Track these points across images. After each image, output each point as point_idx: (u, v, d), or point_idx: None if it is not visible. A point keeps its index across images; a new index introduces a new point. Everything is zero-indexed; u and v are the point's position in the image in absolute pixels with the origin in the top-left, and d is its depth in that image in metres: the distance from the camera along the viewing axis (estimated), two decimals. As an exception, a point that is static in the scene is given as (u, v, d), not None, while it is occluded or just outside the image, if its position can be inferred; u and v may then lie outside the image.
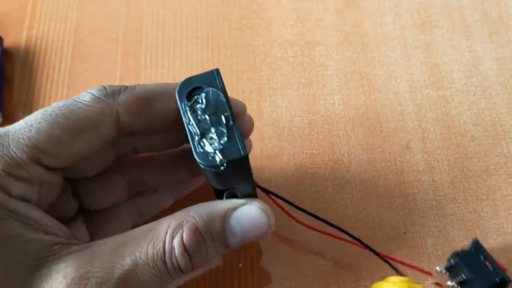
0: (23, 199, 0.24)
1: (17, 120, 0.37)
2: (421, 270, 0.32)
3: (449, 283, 0.30)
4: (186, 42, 0.41)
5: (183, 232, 0.24)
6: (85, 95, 0.26)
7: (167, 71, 0.40)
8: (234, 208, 0.26)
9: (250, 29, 0.41)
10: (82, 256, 0.23)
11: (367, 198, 0.34)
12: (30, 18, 0.42)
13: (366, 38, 0.41)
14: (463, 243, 0.33)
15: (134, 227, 0.31)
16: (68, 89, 0.39)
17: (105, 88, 0.26)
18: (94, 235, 0.30)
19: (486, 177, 0.35)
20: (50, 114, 0.25)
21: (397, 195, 0.35)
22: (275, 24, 0.42)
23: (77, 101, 0.26)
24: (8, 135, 0.24)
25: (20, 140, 0.24)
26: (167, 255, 0.24)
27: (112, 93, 0.26)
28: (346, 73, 0.39)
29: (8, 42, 0.41)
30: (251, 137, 0.31)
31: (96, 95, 0.26)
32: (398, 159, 0.36)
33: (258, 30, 0.41)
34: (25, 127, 0.25)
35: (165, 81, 0.39)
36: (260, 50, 0.40)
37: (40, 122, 0.25)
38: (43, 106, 0.38)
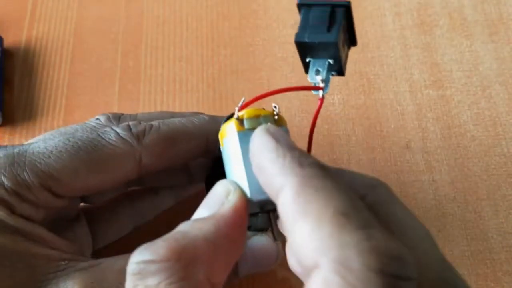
0: (27, 218, 0.24)
1: (17, 120, 0.38)
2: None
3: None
4: (186, 42, 0.41)
5: None
6: (110, 133, 0.26)
7: (167, 71, 0.40)
8: (247, 238, 0.25)
9: (250, 29, 0.41)
10: (89, 274, 0.23)
11: (367, 198, 0.34)
12: (30, 18, 0.42)
13: (366, 38, 0.41)
14: (463, 243, 0.33)
15: (135, 228, 0.31)
16: (68, 89, 0.39)
17: (130, 128, 0.26)
18: (97, 236, 0.30)
19: (486, 177, 0.35)
20: (73, 145, 0.25)
21: (397, 195, 0.34)
22: (275, 24, 0.42)
23: (102, 138, 0.25)
24: (25, 156, 0.24)
25: (37, 164, 0.24)
26: None
27: (137, 134, 0.26)
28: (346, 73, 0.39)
29: (8, 42, 0.41)
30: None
31: (121, 135, 0.26)
32: (398, 159, 0.36)
33: (258, 30, 0.41)
34: (44, 151, 0.24)
35: (165, 82, 0.39)
36: (260, 50, 0.40)
37: (60, 151, 0.24)
38: (43, 106, 0.38)
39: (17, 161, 0.24)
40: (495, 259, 0.32)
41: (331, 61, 0.23)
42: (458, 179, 0.35)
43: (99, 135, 0.25)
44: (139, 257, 0.18)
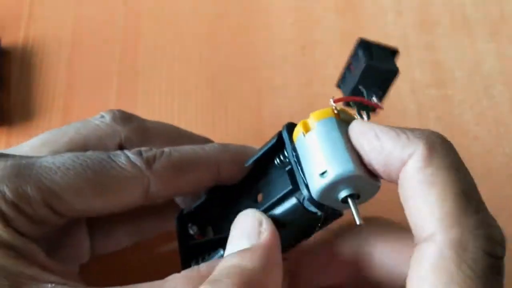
0: (22, 234, 0.23)
1: (15, 120, 0.37)
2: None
3: None
4: (185, 42, 0.41)
5: None
6: (120, 156, 0.25)
7: (165, 71, 0.39)
8: None
9: (250, 29, 0.41)
10: None
11: (368, 198, 0.34)
12: (28, 17, 0.42)
13: (367, 37, 0.40)
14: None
15: (134, 242, 0.31)
16: (67, 88, 0.39)
17: (141, 153, 0.25)
18: (95, 244, 0.29)
19: (488, 177, 0.35)
20: (81, 164, 0.24)
21: (398, 195, 0.34)
22: (275, 23, 0.41)
23: (112, 159, 0.25)
24: (32, 169, 0.24)
25: (42, 178, 0.23)
26: None
27: (147, 160, 0.25)
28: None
29: (5, 42, 0.40)
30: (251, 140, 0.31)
31: (132, 159, 0.25)
32: (399, 159, 0.35)
33: (258, 30, 0.41)
34: (51, 166, 0.24)
35: (164, 81, 0.39)
36: (260, 49, 0.40)
37: (68, 168, 0.24)
38: (40, 106, 0.38)
39: (22, 172, 0.23)
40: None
41: (381, 92, 0.26)
42: (460, 179, 0.35)
43: (109, 157, 0.25)
44: None
